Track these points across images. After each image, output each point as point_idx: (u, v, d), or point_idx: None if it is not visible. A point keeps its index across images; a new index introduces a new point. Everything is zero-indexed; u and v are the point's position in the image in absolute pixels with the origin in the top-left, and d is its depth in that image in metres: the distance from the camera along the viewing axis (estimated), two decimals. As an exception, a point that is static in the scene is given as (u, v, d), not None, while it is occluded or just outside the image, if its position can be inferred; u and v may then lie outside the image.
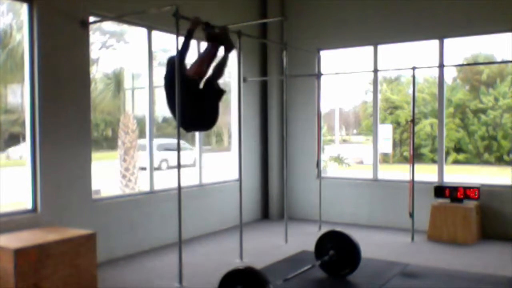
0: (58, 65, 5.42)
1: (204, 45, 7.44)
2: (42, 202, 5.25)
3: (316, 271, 5.13)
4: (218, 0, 7.72)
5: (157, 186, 6.79)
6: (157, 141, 11.00)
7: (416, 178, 7.01)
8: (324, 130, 13.32)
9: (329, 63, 8.70)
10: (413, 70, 6.96)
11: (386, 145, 15.92)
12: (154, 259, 6.05)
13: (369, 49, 8.13)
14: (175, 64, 4.83)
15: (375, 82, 8.44)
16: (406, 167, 7.48)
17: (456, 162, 17.05)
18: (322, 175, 8.49)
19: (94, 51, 10.15)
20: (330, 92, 11.79)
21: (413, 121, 7.06)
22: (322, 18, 8.42)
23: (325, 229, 5.74)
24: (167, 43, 8.54)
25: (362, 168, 15.44)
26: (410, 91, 8.96)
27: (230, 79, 8.56)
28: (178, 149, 4.96)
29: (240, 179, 6.17)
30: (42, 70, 5.24)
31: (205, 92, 5.01)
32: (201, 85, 5.02)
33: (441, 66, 7.61)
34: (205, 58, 5.10)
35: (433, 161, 14.11)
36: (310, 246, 5.36)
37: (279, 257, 5.99)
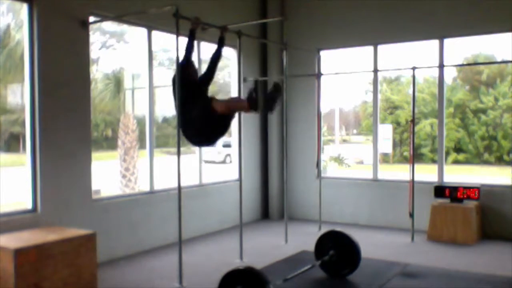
0: (58, 65, 5.42)
1: (202, 44, 7.46)
2: (42, 202, 5.25)
3: (316, 271, 5.13)
4: (218, 0, 7.72)
5: (157, 186, 6.79)
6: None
7: (416, 178, 7.01)
8: (324, 130, 13.31)
9: (329, 63, 8.71)
10: (413, 70, 6.96)
11: (386, 145, 15.92)
12: (154, 259, 6.05)
13: (369, 49, 8.13)
14: (184, 68, 4.80)
15: (375, 82, 8.44)
16: (406, 167, 7.48)
17: (456, 162, 17.05)
18: (322, 175, 8.49)
19: (94, 51, 10.15)
20: (330, 92, 11.78)
21: (413, 121, 7.06)
22: (322, 18, 8.42)
23: (325, 229, 5.74)
24: (167, 43, 8.55)
25: (362, 168, 15.44)
26: (410, 91, 8.95)
27: (230, 79, 8.56)
28: (178, 149, 4.96)
29: (240, 179, 6.17)
30: (42, 70, 5.24)
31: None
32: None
33: (441, 66, 7.61)
34: (235, 107, 4.99)
35: (433, 161, 14.11)
36: (310, 246, 5.36)
37: (279, 257, 5.99)
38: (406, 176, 7.26)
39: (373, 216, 8.04)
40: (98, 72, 11.18)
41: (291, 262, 5.76)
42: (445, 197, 7.09)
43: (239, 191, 6.04)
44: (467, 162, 17.15)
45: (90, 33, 5.87)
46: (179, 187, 4.93)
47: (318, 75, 8.15)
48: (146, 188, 6.75)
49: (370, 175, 8.26)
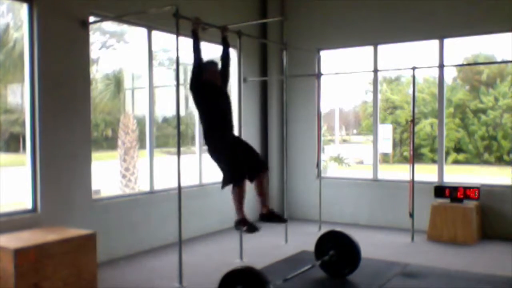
0: (58, 65, 5.42)
1: (202, 44, 7.45)
2: (42, 202, 5.25)
3: (316, 271, 5.12)
4: (218, 0, 7.72)
5: (157, 186, 6.79)
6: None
7: (416, 178, 7.01)
8: (324, 130, 13.31)
9: (329, 63, 8.70)
10: (413, 70, 6.96)
11: (386, 145, 15.91)
12: (154, 259, 6.05)
13: (369, 49, 8.13)
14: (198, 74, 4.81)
15: (375, 82, 8.44)
16: (406, 167, 7.48)
17: (456, 162, 17.03)
18: (322, 175, 8.49)
19: (94, 51, 10.14)
20: (330, 92, 11.76)
21: (413, 121, 7.06)
22: (322, 18, 8.42)
23: (325, 229, 5.74)
24: (167, 43, 8.55)
25: (362, 168, 15.43)
26: (410, 91, 8.94)
27: (230, 79, 8.55)
28: (178, 149, 4.96)
29: (240, 179, 6.15)
30: (42, 70, 5.24)
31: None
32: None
33: (441, 66, 7.61)
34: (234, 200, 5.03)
35: (433, 161, 14.11)
36: (310, 246, 5.36)
37: (279, 257, 5.99)
38: (406, 176, 7.26)
39: (373, 216, 8.04)
40: (98, 72, 11.17)
41: (291, 262, 5.76)
42: (445, 197, 7.09)
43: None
44: (467, 162, 17.13)
45: (90, 33, 5.88)
46: (179, 187, 4.93)
47: (318, 75, 8.15)
48: (146, 188, 6.76)
49: (370, 175, 8.26)
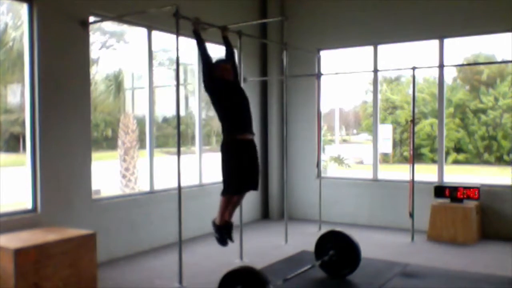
0: (58, 65, 5.42)
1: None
2: (42, 202, 5.25)
3: (316, 271, 5.13)
4: (218, 0, 7.72)
5: (157, 186, 6.79)
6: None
7: (416, 178, 7.01)
8: (324, 130, 13.30)
9: (329, 63, 8.70)
10: (413, 70, 6.96)
11: (386, 145, 15.90)
12: (154, 259, 6.05)
13: (369, 49, 8.13)
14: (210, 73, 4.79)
15: (375, 82, 8.44)
16: (406, 167, 7.48)
17: (456, 162, 17.02)
18: (322, 175, 8.49)
19: (94, 51, 10.14)
20: (330, 92, 11.75)
21: (413, 121, 7.06)
22: (322, 18, 8.42)
23: (325, 229, 5.74)
24: (167, 43, 8.55)
25: (362, 168, 15.42)
26: (410, 91, 8.95)
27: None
28: (178, 149, 4.96)
29: (240, 179, 6.15)
30: (42, 70, 5.24)
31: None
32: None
33: (441, 66, 7.61)
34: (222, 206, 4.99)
35: (433, 161, 14.10)
36: (310, 246, 5.36)
37: (279, 257, 5.99)
38: (406, 176, 7.26)
39: (373, 216, 8.04)
40: (98, 72, 11.17)
41: (291, 262, 5.76)
42: (445, 197, 7.09)
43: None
44: (467, 162, 17.12)
45: (90, 33, 5.88)
46: (179, 187, 4.93)
47: (318, 75, 8.15)
48: (146, 188, 6.76)
49: (370, 175, 8.26)
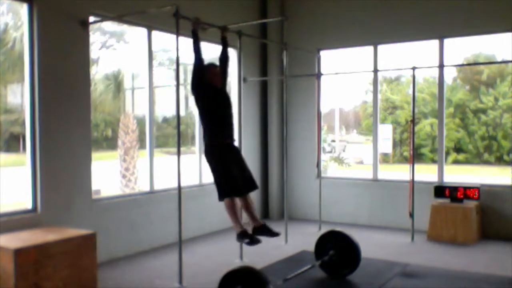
0: (58, 65, 5.43)
1: (202, 44, 7.45)
2: (42, 202, 5.25)
3: (316, 271, 5.13)
4: (218, 0, 7.72)
5: (157, 186, 6.79)
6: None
7: (416, 178, 7.01)
8: (324, 130, 13.30)
9: (329, 63, 8.70)
10: (413, 70, 6.96)
11: (386, 145, 15.91)
12: (154, 259, 6.05)
13: (369, 49, 8.13)
14: (199, 73, 4.83)
15: (375, 82, 8.44)
16: (406, 167, 7.48)
17: (456, 162, 17.02)
18: (322, 175, 8.49)
19: (94, 51, 10.14)
20: (330, 92, 11.76)
21: (413, 121, 7.06)
22: (322, 18, 8.42)
23: (325, 229, 5.74)
24: (167, 43, 8.54)
25: (362, 168, 15.43)
26: (410, 91, 8.95)
27: (230, 79, 8.55)
28: (178, 149, 4.96)
29: (240, 179, 6.15)
30: (42, 70, 5.24)
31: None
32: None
33: (441, 66, 7.61)
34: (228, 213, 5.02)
35: (433, 161, 14.09)
36: (310, 246, 5.36)
37: (279, 257, 5.99)
38: (406, 176, 7.26)
39: (373, 216, 8.04)
40: (98, 72, 11.17)
41: (291, 262, 5.76)
42: (445, 197, 7.09)
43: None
44: (467, 162, 17.12)
45: (90, 33, 5.88)
46: (179, 187, 4.93)
47: (318, 75, 8.15)
48: (146, 188, 6.76)
49: (370, 175, 8.26)
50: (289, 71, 7.70)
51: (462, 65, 14.76)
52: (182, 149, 5.04)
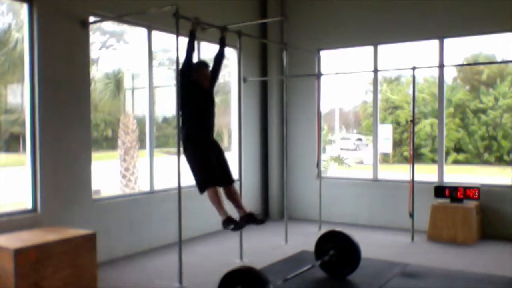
0: (58, 65, 5.42)
1: (202, 44, 7.45)
2: (42, 202, 5.25)
3: (316, 271, 5.13)
4: (218, 0, 7.72)
5: (157, 186, 6.78)
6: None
7: (416, 178, 7.01)
8: (325, 130, 13.29)
9: (329, 63, 8.70)
10: (413, 70, 6.96)
11: (386, 145, 15.92)
12: (154, 259, 6.05)
13: (369, 49, 8.13)
14: (186, 72, 4.89)
15: (375, 82, 8.44)
16: (406, 167, 7.49)
17: (456, 162, 17.02)
18: (322, 175, 8.49)
19: (94, 51, 10.14)
20: (330, 92, 11.77)
21: (413, 121, 7.06)
22: (322, 18, 8.42)
23: (325, 229, 5.74)
24: (167, 43, 8.54)
25: (362, 168, 15.43)
26: (410, 91, 8.95)
27: (230, 79, 8.57)
28: (178, 149, 4.96)
29: (240, 179, 6.17)
30: (42, 70, 5.24)
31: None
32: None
33: (441, 66, 7.61)
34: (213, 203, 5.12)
35: (433, 161, 14.09)
36: (310, 246, 5.36)
37: (279, 257, 5.99)
38: (406, 176, 7.26)
39: (373, 216, 8.04)
40: (98, 72, 11.16)
41: (291, 262, 5.76)
42: (445, 197, 7.09)
43: (239, 191, 6.03)
44: (467, 162, 17.12)
45: (90, 33, 5.88)
46: (179, 187, 4.93)
47: (318, 75, 8.15)
48: (146, 188, 6.76)
49: (370, 175, 8.26)
50: (289, 71, 7.70)
51: (462, 65, 14.77)
52: (182, 149, 5.03)
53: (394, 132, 17.63)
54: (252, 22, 8.23)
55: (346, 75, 10.07)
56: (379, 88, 8.66)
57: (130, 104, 12.13)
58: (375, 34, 7.98)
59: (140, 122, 10.81)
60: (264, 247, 6.66)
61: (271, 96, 8.78)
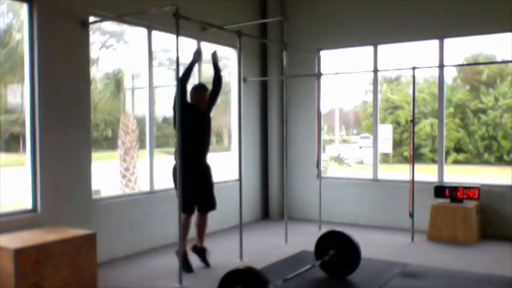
0: (58, 65, 5.42)
1: (202, 44, 7.45)
2: (42, 202, 5.25)
3: (316, 271, 5.13)
4: (218, 0, 7.72)
5: (157, 186, 6.78)
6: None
7: (416, 178, 7.01)
8: (325, 130, 13.29)
9: (329, 63, 8.70)
10: (413, 70, 6.96)
11: (386, 145, 15.91)
12: (154, 259, 6.05)
13: (369, 49, 8.13)
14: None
15: (375, 82, 8.44)
16: (406, 167, 7.48)
17: (456, 162, 17.02)
18: (322, 175, 8.49)
19: (94, 51, 10.14)
20: (330, 92, 11.77)
21: (413, 121, 7.06)
22: (322, 18, 8.42)
23: (325, 229, 5.74)
24: (167, 43, 8.54)
25: (362, 168, 15.43)
26: (410, 91, 8.95)
27: (230, 79, 8.56)
28: (178, 149, 4.96)
29: (240, 179, 6.17)
30: (42, 70, 5.24)
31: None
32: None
33: (441, 66, 7.61)
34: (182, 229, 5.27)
35: (433, 161, 14.10)
36: (310, 246, 5.36)
37: (279, 257, 5.99)
38: (406, 176, 7.26)
39: (373, 216, 8.04)
40: (98, 72, 11.16)
41: (291, 262, 5.76)
42: (445, 197, 7.09)
43: (239, 191, 6.04)
44: (467, 162, 17.12)
45: (90, 33, 5.87)
46: (179, 187, 4.93)
47: (318, 75, 8.15)
48: (146, 188, 6.75)
49: (370, 175, 8.26)
50: (289, 71, 7.70)
51: (462, 65, 14.77)
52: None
53: (394, 132, 17.63)
54: (252, 22, 8.23)
55: (346, 75, 10.07)
56: (379, 88, 8.66)
57: (130, 104, 12.13)
58: (375, 34, 7.98)
59: (140, 122, 10.82)
60: (264, 247, 6.65)
61: (271, 96, 8.78)
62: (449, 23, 7.40)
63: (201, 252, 5.62)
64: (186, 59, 8.17)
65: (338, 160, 15.24)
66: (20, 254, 4.18)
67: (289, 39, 8.34)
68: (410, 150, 7.21)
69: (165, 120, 11.69)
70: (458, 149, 17.53)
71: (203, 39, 7.30)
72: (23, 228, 4.95)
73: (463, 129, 17.40)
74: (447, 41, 7.54)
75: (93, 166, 5.89)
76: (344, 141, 19.43)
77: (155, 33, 6.71)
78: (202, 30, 5.98)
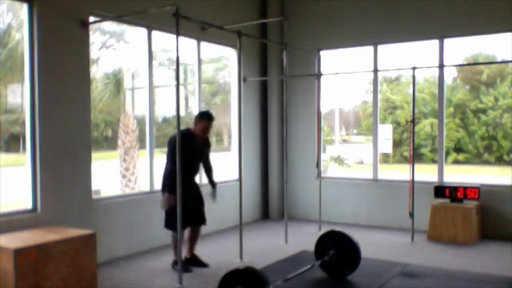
0: (58, 65, 5.42)
1: (202, 44, 7.45)
2: (42, 202, 5.25)
3: (316, 271, 5.13)
4: (218, 0, 7.72)
5: (157, 186, 6.77)
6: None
7: (416, 178, 7.01)
8: (325, 131, 13.30)
9: (329, 63, 8.70)
10: (413, 70, 6.96)
11: (386, 145, 15.93)
12: (154, 259, 6.05)
13: (369, 49, 8.13)
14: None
15: (375, 82, 8.44)
16: (406, 167, 7.48)
17: (456, 162, 17.03)
18: (322, 175, 8.49)
19: (94, 51, 10.14)
20: (330, 92, 11.78)
21: (413, 121, 7.06)
22: (322, 18, 8.42)
23: (325, 229, 5.74)
24: (167, 43, 8.55)
25: (362, 168, 15.43)
26: (410, 91, 8.95)
27: (230, 79, 8.56)
28: (178, 149, 4.96)
29: (240, 179, 6.17)
30: (42, 70, 5.24)
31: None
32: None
33: (441, 66, 7.61)
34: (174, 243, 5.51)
35: (433, 161, 14.10)
36: (310, 246, 5.36)
37: (279, 257, 5.99)
38: (406, 176, 7.26)
39: (373, 216, 8.04)
40: (98, 72, 11.17)
41: (291, 262, 5.76)
42: (445, 197, 7.09)
43: (239, 191, 6.05)
44: (467, 162, 17.13)
45: (90, 33, 5.87)
46: (179, 187, 4.93)
47: (318, 75, 8.15)
48: (146, 188, 6.76)
49: (370, 175, 8.26)
50: (289, 71, 7.70)
51: (462, 65, 14.78)
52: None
53: (394, 132, 17.63)
54: (252, 22, 8.23)
55: (346, 75, 10.07)
56: (379, 88, 8.66)
57: (130, 104, 12.14)
58: (375, 34, 7.98)
59: (140, 122, 10.82)
60: (264, 247, 6.66)
61: (271, 96, 8.78)
62: (449, 23, 7.40)
63: (194, 261, 5.64)
64: (186, 59, 8.19)
65: (338, 160, 15.25)
66: (20, 254, 4.18)
67: (289, 39, 8.34)
68: (410, 150, 7.21)
69: (165, 120, 11.70)
70: (458, 149, 17.54)
71: (203, 39, 7.30)
72: (23, 228, 4.95)
73: (463, 129, 17.41)
74: (447, 41, 7.54)
75: (93, 166, 5.89)
76: (344, 141, 19.44)
77: (155, 33, 6.71)
78: (202, 30, 5.99)
